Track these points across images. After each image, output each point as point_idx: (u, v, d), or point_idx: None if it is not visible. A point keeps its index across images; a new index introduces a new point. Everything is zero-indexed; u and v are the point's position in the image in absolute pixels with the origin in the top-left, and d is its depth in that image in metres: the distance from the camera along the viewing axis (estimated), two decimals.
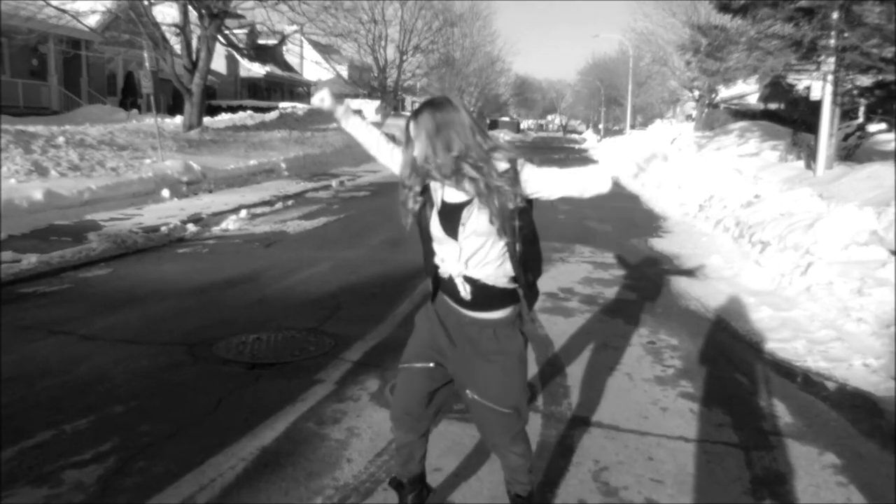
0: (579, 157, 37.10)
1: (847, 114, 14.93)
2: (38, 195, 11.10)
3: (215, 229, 10.78)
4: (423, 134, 2.48)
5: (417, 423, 2.76)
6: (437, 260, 2.64)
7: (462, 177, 2.48)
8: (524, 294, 2.63)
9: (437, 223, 2.55)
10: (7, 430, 3.83)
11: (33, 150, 14.09)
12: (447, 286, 2.64)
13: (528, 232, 2.56)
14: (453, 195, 2.54)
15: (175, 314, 6.19)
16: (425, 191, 2.59)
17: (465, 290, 2.56)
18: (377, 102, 43.27)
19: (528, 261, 2.57)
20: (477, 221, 2.48)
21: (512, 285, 2.60)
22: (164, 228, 10.19)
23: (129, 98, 29.37)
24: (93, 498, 3.18)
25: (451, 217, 2.53)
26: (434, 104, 2.52)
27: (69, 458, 3.53)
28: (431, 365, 2.69)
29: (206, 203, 13.69)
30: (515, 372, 2.62)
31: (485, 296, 2.56)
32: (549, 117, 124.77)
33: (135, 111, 26.02)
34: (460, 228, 2.51)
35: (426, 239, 2.64)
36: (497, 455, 2.79)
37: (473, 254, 2.52)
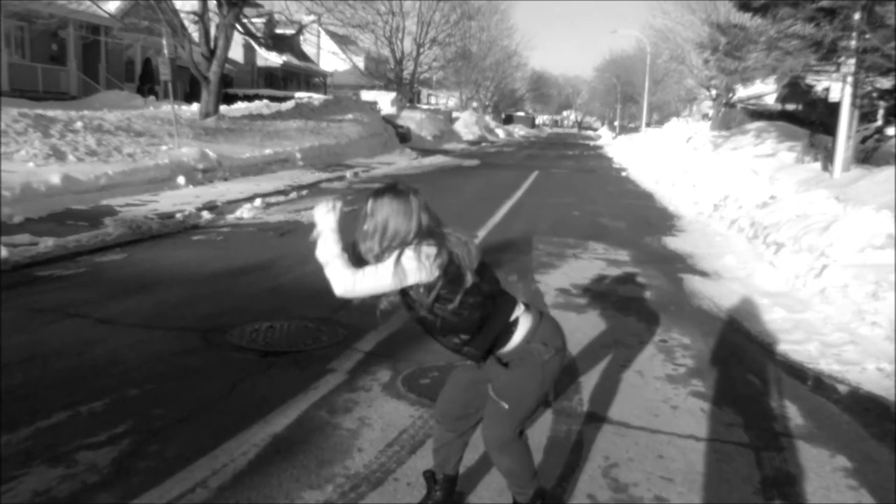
0: (594, 155, 37.01)
1: (866, 116, 14.78)
2: (55, 179, 11.18)
3: (230, 217, 10.84)
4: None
5: (457, 423, 2.87)
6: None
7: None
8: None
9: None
10: (23, 410, 3.88)
11: (52, 135, 14.20)
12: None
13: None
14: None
15: (189, 300, 6.24)
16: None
17: (471, 356, 2.75)
18: (393, 94, 43.28)
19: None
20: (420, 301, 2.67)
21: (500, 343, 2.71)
22: (179, 215, 10.25)
23: (147, 85, 29.50)
24: (107, 479, 3.21)
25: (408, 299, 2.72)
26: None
27: (84, 440, 3.57)
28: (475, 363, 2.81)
29: (221, 191, 13.76)
30: (531, 380, 2.69)
31: (486, 348, 2.72)
32: (565, 113, 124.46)
33: (152, 98, 26.10)
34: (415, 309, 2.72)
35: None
36: (493, 459, 2.86)
37: (439, 329, 2.70)
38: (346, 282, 2.64)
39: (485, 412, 2.77)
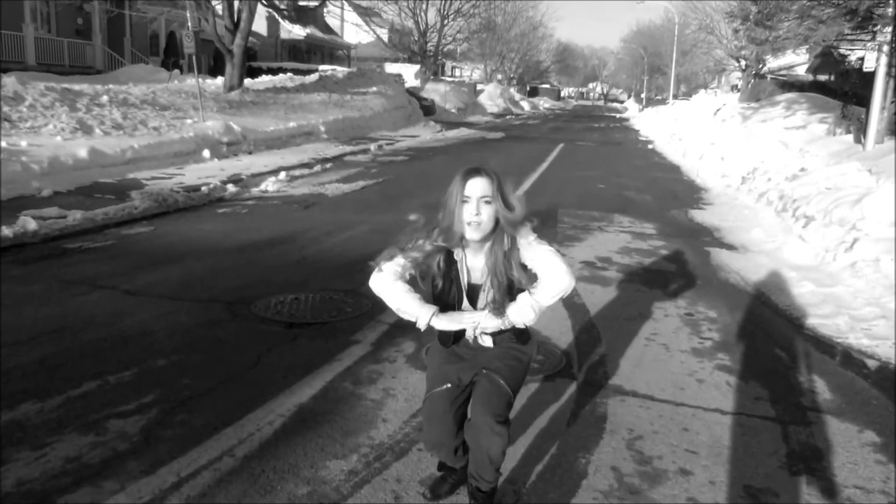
0: (620, 127, 36.62)
1: None
2: (82, 153, 11.29)
3: (254, 190, 10.88)
4: (496, 197, 2.48)
5: (450, 446, 2.80)
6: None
7: (487, 250, 2.57)
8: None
9: (466, 299, 2.65)
10: (55, 380, 3.95)
11: (78, 109, 14.32)
12: (458, 337, 2.76)
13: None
14: (473, 272, 2.63)
15: (214, 272, 6.29)
16: (450, 262, 2.62)
17: (487, 341, 2.71)
18: (417, 67, 43.02)
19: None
20: (490, 293, 2.59)
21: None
22: (204, 188, 10.31)
23: (171, 58, 29.55)
24: (136, 447, 3.27)
25: (473, 291, 2.65)
26: (487, 171, 2.51)
27: (114, 408, 3.63)
28: (449, 385, 2.71)
29: (245, 164, 13.82)
30: (523, 366, 2.74)
31: (500, 334, 2.71)
32: (591, 85, 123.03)
33: (176, 71, 26.17)
34: (479, 299, 2.64)
35: (445, 307, 2.67)
36: (473, 445, 2.69)
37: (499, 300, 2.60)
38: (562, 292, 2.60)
39: (481, 395, 2.67)
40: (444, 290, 2.64)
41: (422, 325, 2.58)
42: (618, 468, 3.27)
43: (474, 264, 2.62)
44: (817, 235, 7.74)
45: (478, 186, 2.46)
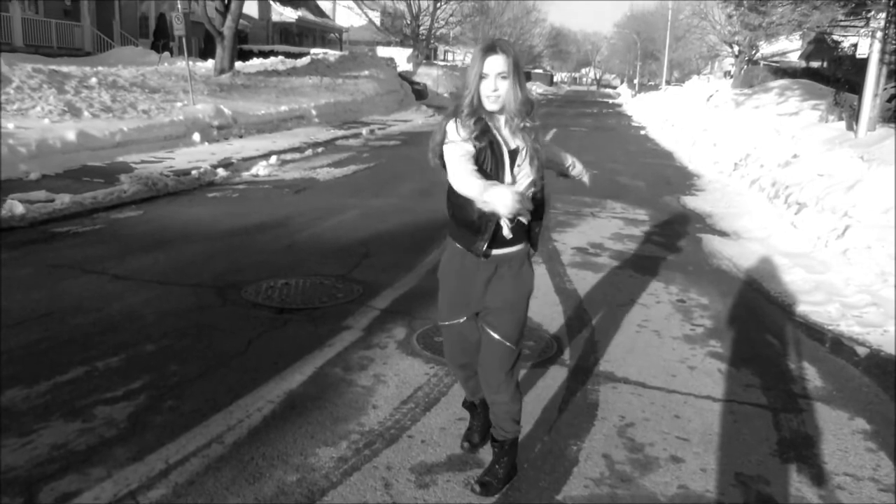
0: (613, 113, 36.55)
1: (893, 74, 14.38)
2: (71, 136, 11.16)
3: (245, 174, 10.81)
4: (512, 73, 2.56)
5: (474, 366, 2.99)
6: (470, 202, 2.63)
7: (521, 123, 2.64)
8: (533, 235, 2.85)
9: (508, 169, 2.64)
10: (41, 365, 3.91)
11: (66, 91, 14.15)
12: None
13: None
14: (509, 141, 2.65)
15: (205, 257, 6.24)
16: (484, 134, 2.60)
17: (507, 228, 2.69)
18: (409, 51, 42.76)
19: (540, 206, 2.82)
20: (528, 166, 2.66)
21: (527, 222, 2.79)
22: (194, 172, 10.22)
23: (161, 40, 29.25)
24: (123, 433, 3.23)
25: (511, 162, 2.66)
26: (509, 45, 2.61)
27: (101, 395, 3.60)
28: (464, 319, 2.89)
29: (236, 148, 13.71)
30: (523, 311, 2.87)
31: (518, 232, 2.74)
32: (584, 70, 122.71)
33: (166, 54, 25.90)
34: (515, 170, 2.65)
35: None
36: (489, 400, 2.97)
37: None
38: None
39: (486, 354, 2.86)
40: (486, 159, 2.62)
41: (492, 198, 2.37)
42: (609, 455, 3.26)
43: (505, 135, 2.67)
44: (809, 222, 7.74)
45: (495, 63, 2.54)
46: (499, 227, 2.69)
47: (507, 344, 2.81)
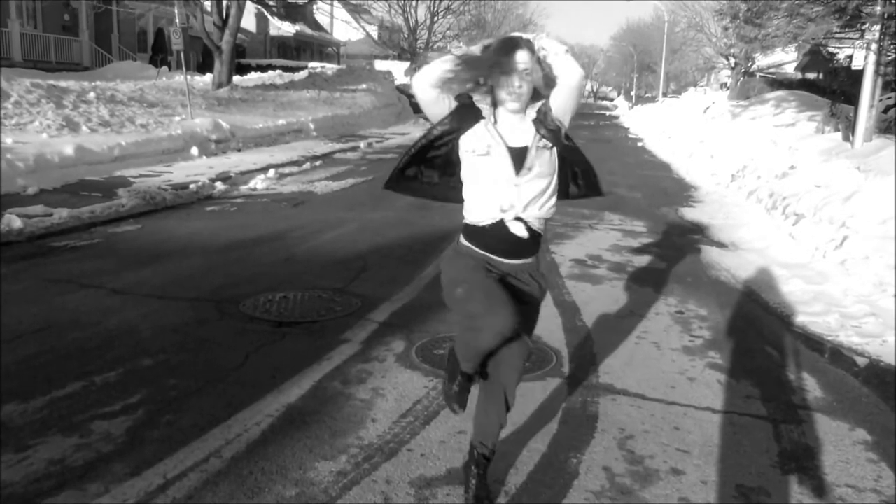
0: (610, 125, 36.65)
1: (889, 85, 14.43)
2: (69, 150, 11.17)
3: (243, 188, 10.81)
4: (534, 69, 2.48)
5: (510, 308, 2.54)
6: (481, 204, 2.61)
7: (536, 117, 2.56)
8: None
9: (510, 164, 2.53)
10: (38, 380, 3.89)
11: (65, 105, 14.17)
12: (490, 233, 2.61)
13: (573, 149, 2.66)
14: (514, 137, 2.55)
15: (203, 271, 6.23)
16: (469, 113, 2.55)
17: (520, 232, 2.59)
18: (407, 64, 42.88)
19: (583, 172, 2.73)
20: (540, 164, 2.55)
21: (542, 230, 2.68)
22: (192, 186, 10.23)
23: (160, 55, 29.34)
24: (121, 448, 3.22)
25: (517, 160, 2.54)
26: (527, 42, 2.50)
27: (98, 409, 3.58)
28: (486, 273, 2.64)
29: (234, 161, 13.73)
30: (537, 312, 2.82)
31: (533, 240, 2.64)
32: None
33: (165, 68, 26.00)
34: (524, 171, 2.54)
35: (474, 182, 2.61)
36: (488, 405, 2.84)
37: (534, 197, 2.57)
38: None
39: (505, 359, 2.70)
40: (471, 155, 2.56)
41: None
42: (609, 468, 3.24)
43: (504, 131, 2.56)
44: (807, 233, 7.75)
45: (520, 60, 2.46)
46: (494, 230, 2.59)
47: (524, 336, 2.70)
